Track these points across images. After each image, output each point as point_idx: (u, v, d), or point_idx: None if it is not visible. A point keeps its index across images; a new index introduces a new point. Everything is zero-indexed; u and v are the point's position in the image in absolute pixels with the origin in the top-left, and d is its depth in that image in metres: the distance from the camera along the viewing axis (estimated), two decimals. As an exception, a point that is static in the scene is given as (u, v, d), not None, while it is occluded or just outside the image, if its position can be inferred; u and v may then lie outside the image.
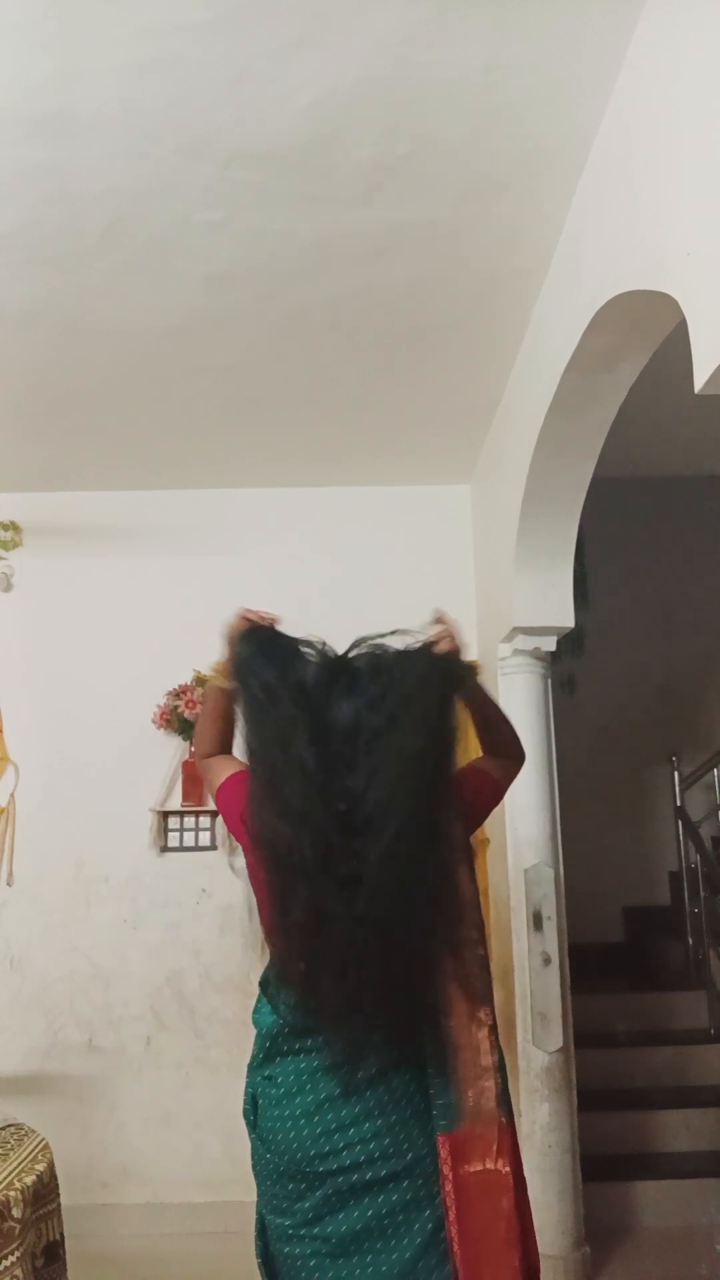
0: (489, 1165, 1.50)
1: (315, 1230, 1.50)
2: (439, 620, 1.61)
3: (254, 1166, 1.60)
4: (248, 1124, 1.61)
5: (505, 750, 1.80)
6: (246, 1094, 1.62)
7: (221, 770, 1.75)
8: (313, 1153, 1.50)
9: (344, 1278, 1.47)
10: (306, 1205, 1.51)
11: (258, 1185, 1.60)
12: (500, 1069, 1.58)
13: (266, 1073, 1.58)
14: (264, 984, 1.60)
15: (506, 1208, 1.50)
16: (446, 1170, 1.49)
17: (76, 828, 3.83)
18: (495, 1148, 1.51)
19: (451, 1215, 1.47)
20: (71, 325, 2.84)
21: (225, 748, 1.79)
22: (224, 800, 1.73)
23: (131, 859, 3.80)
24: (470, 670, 1.68)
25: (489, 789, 1.76)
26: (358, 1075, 1.49)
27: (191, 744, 3.82)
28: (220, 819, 3.76)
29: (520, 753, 1.82)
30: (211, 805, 3.81)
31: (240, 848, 1.65)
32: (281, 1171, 1.53)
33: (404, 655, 1.55)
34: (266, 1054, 1.59)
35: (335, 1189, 1.49)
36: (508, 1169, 1.51)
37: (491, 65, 1.94)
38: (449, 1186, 1.48)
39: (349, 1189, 1.49)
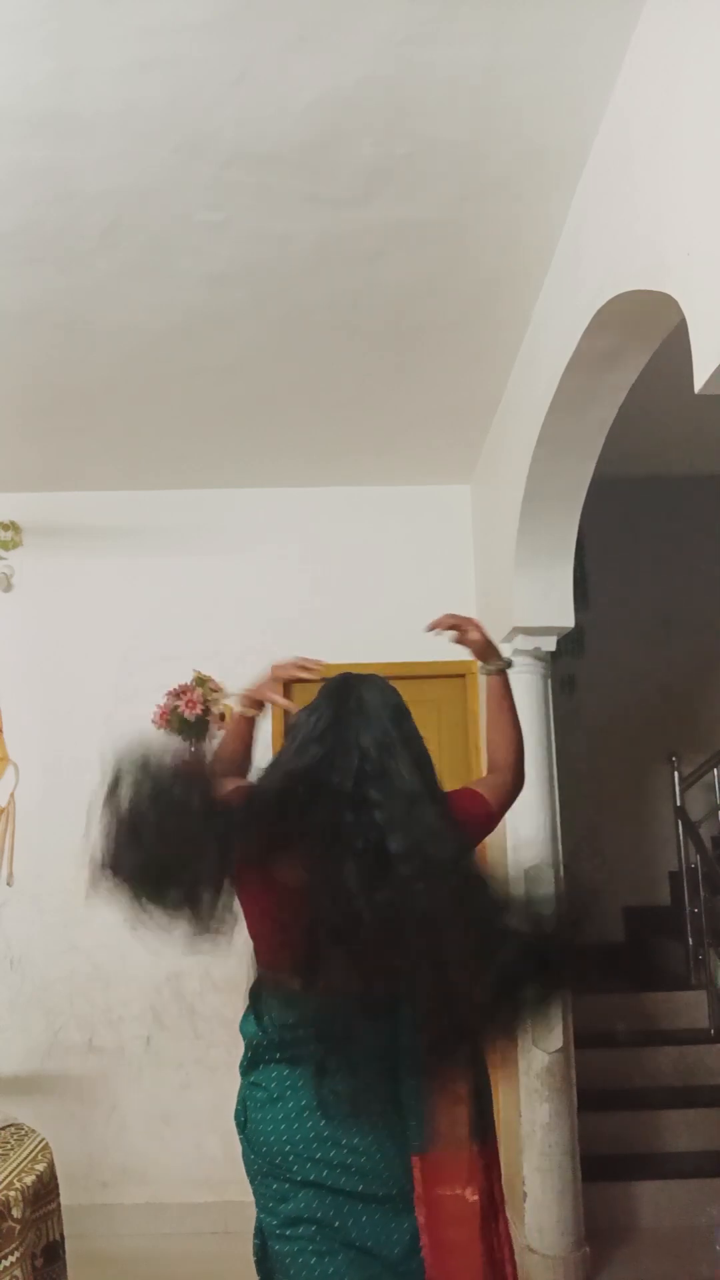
0: (458, 1191, 1.52)
1: (300, 1230, 1.52)
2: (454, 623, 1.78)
3: (245, 1167, 1.63)
4: (238, 1125, 1.66)
5: (503, 753, 1.80)
6: (239, 1097, 1.66)
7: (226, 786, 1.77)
8: (291, 1158, 1.53)
9: (330, 1274, 1.49)
10: (290, 1206, 1.53)
11: (250, 1185, 1.63)
12: (484, 1091, 1.58)
13: (253, 1078, 1.62)
14: (253, 995, 1.64)
15: (473, 1234, 1.52)
16: (420, 1190, 1.51)
17: (76, 828, 3.80)
18: (466, 1174, 1.53)
19: (425, 1237, 1.50)
20: (71, 325, 2.84)
21: (240, 776, 1.81)
22: None
23: (131, 859, 3.80)
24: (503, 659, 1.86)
25: (480, 810, 1.72)
26: (338, 1089, 1.50)
27: (192, 745, 3.82)
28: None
29: (518, 764, 1.80)
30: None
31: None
32: (266, 1173, 1.57)
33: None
34: (250, 1061, 1.64)
35: (317, 1194, 1.52)
36: (475, 1197, 1.53)
37: (491, 65, 1.94)
38: (421, 1206, 1.51)
39: (330, 1197, 1.51)
